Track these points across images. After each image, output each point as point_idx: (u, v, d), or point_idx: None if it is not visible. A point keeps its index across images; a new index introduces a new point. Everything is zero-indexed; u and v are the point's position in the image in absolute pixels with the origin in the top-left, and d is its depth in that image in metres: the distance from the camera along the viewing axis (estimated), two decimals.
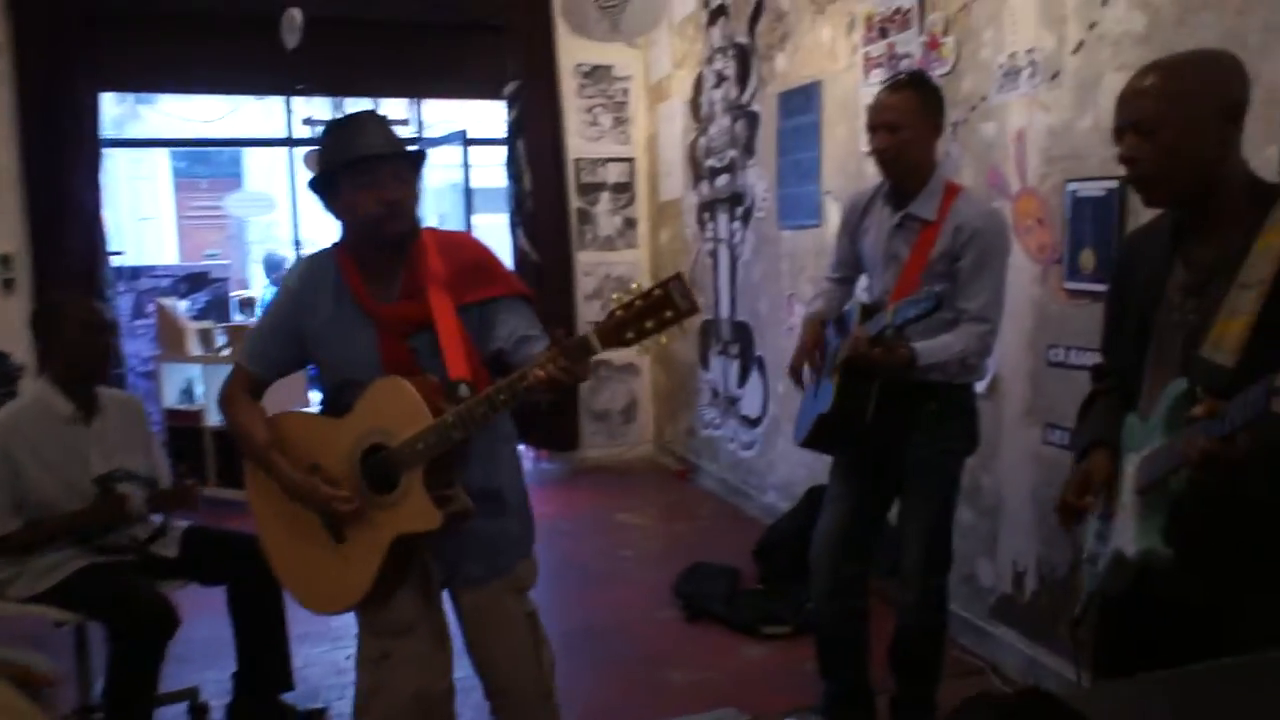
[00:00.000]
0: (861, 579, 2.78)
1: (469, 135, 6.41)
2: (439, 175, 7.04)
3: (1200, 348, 1.54)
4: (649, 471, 6.39)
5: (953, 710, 0.96)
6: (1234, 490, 1.44)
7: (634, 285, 1.75)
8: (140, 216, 12.08)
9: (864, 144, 3.53)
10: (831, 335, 2.69)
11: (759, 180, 4.97)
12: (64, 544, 2.73)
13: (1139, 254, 1.76)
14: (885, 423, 2.54)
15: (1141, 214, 2.54)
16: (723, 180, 5.42)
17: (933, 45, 3.46)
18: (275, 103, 6.71)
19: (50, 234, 5.50)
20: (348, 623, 3.85)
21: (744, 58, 5.04)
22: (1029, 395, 3.06)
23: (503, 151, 6.34)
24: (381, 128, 2.01)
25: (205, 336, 5.83)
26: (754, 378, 5.18)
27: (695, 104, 5.74)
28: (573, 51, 6.27)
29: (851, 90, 4.01)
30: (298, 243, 6.91)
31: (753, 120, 4.99)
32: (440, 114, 8.26)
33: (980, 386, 2.84)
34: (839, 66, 4.13)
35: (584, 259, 6.48)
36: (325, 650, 3.67)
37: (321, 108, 7.11)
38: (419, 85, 6.62)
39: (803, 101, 4.45)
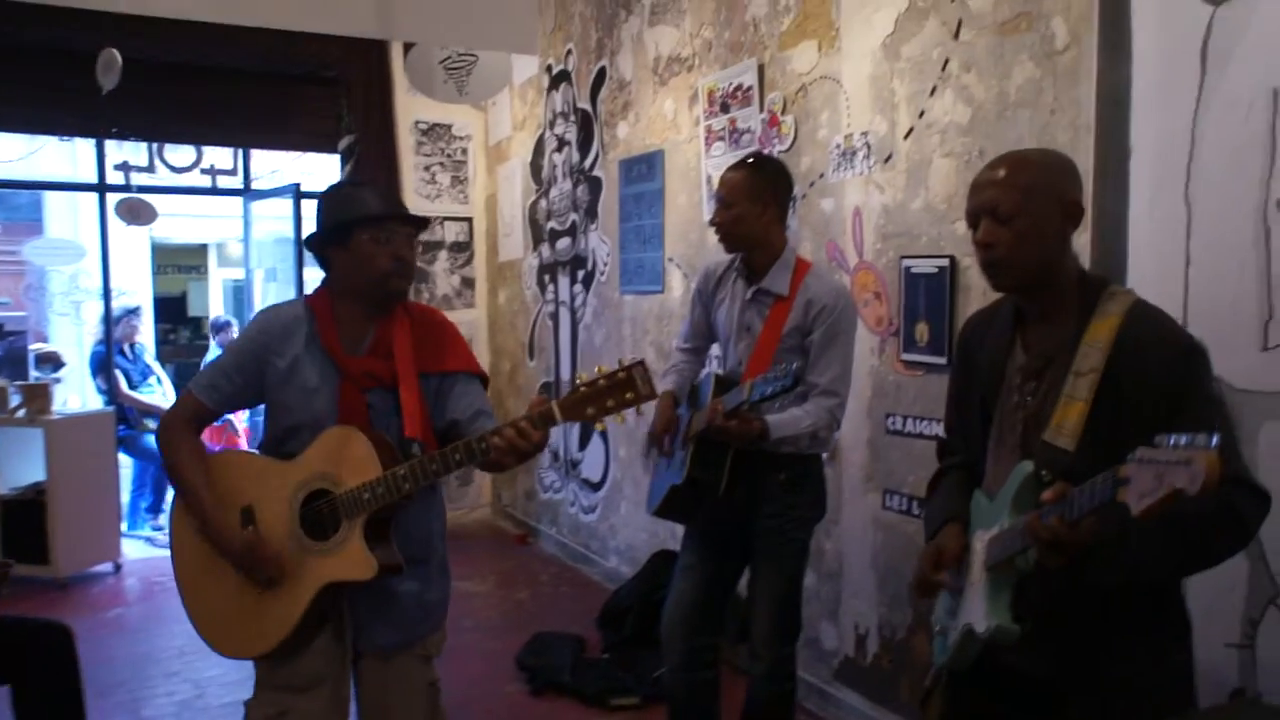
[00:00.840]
0: (713, 650, 2.78)
1: (302, 188, 6.19)
2: (268, 226, 6.75)
3: (1043, 432, 1.62)
4: (487, 536, 6.24)
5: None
6: (1077, 572, 1.52)
7: (598, 368, 1.91)
8: None
9: (706, 213, 3.62)
10: (683, 410, 2.71)
11: (601, 244, 5.01)
12: None
13: (981, 337, 1.86)
14: (736, 493, 2.58)
15: (972, 291, 2.72)
16: (564, 243, 5.43)
17: (773, 123, 3.60)
18: (81, 145, 6.27)
19: None
20: (160, 715, 3.56)
21: (587, 124, 5.10)
22: (868, 462, 3.17)
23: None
24: (395, 195, 2.10)
25: None
26: (595, 441, 5.17)
27: (536, 166, 5.75)
28: (411, 108, 6.19)
29: (694, 160, 4.11)
30: (107, 293, 6.45)
31: (595, 185, 5.05)
32: (270, 164, 7.95)
33: (824, 453, 2.92)
34: (681, 137, 4.24)
35: None
36: None
37: (138, 153, 6.69)
38: (247, 135, 6.35)
39: (645, 169, 4.53)
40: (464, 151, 6.50)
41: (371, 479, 1.95)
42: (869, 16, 3.09)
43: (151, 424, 6.56)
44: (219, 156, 7.05)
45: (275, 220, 6.57)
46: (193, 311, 16.42)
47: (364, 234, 2.07)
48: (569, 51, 5.25)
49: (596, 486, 5.19)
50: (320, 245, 2.15)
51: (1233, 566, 1.93)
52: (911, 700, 3.01)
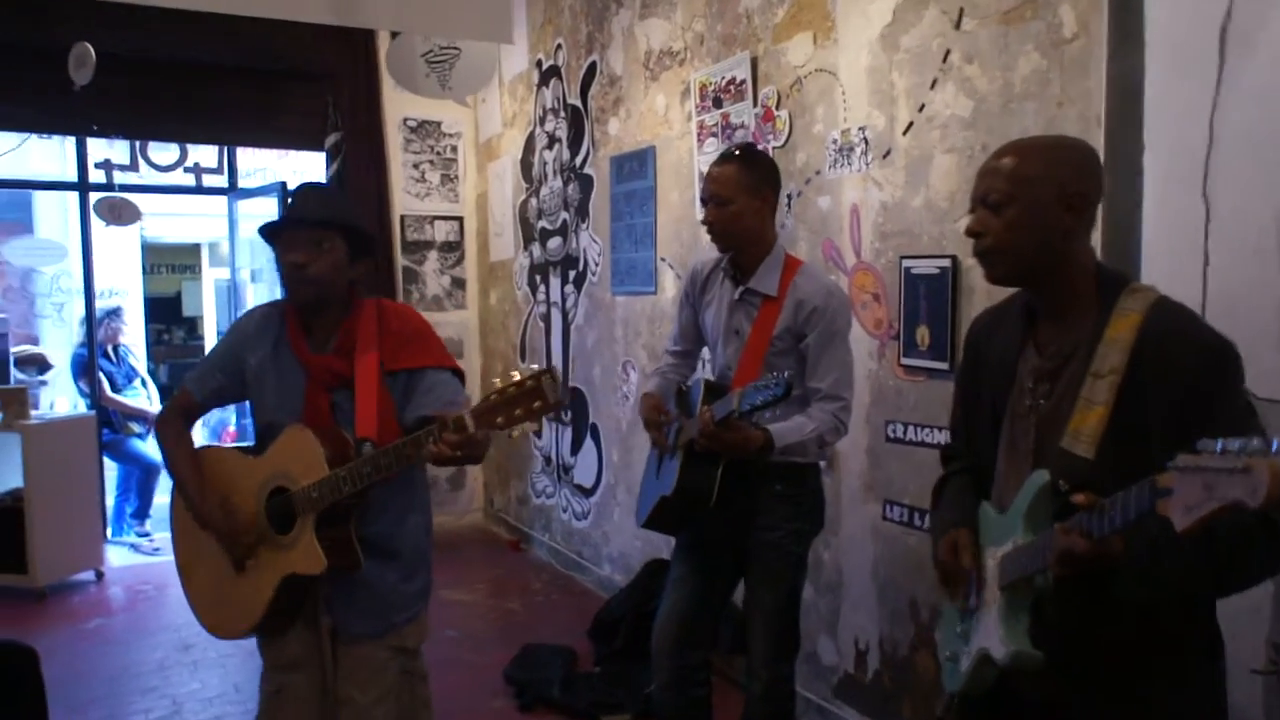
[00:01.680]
0: (705, 666, 2.66)
1: (288, 187, 6.06)
2: (256, 226, 6.61)
3: (1060, 439, 1.51)
4: (479, 542, 6.12)
5: None
6: (1099, 588, 1.40)
7: (513, 372, 1.85)
8: None
9: (699, 211, 3.50)
10: (673, 413, 2.58)
11: (592, 244, 4.88)
12: None
13: (989, 336, 1.75)
14: (729, 505, 2.45)
15: (976, 293, 2.59)
16: (555, 243, 5.31)
17: (767, 118, 3.47)
18: (71, 144, 6.14)
19: None
20: None
21: (577, 120, 4.98)
22: (868, 471, 3.05)
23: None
24: (310, 198, 2.18)
25: None
26: (588, 445, 5.04)
27: (526, 164, 5.62)
28: (399, 105, 6.06)
29: (686, 157, 3.99)
30: (90, 294, 6.32)
31: (586, 183, 4.92)
32: (257, 162, 7.82)
33: (821, 461, 2.80)
34: (673, 133, 4.11)
35: None
36: None
37: (121, 151, 6.56)
38: (230, 132, 6.21)
39: (637, 166, 4.40)
40: (454, 149, 6.37)
41: (317, 479, 2.03)
42: (866, 7, 2.97)
43: (136, 428, 6.43)
44: (204, 155, 6.92)
45: (261, 219, 6.43)
46: (186, 312, 16.31)
47: (276, 248, 2.14)
48: (559, 46, 5.12)
49: (589, 492, 5.07)
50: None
51: (1259, 587, 1.80)
52: (906, 713, 2.89)
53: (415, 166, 6.26)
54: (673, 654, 2.61)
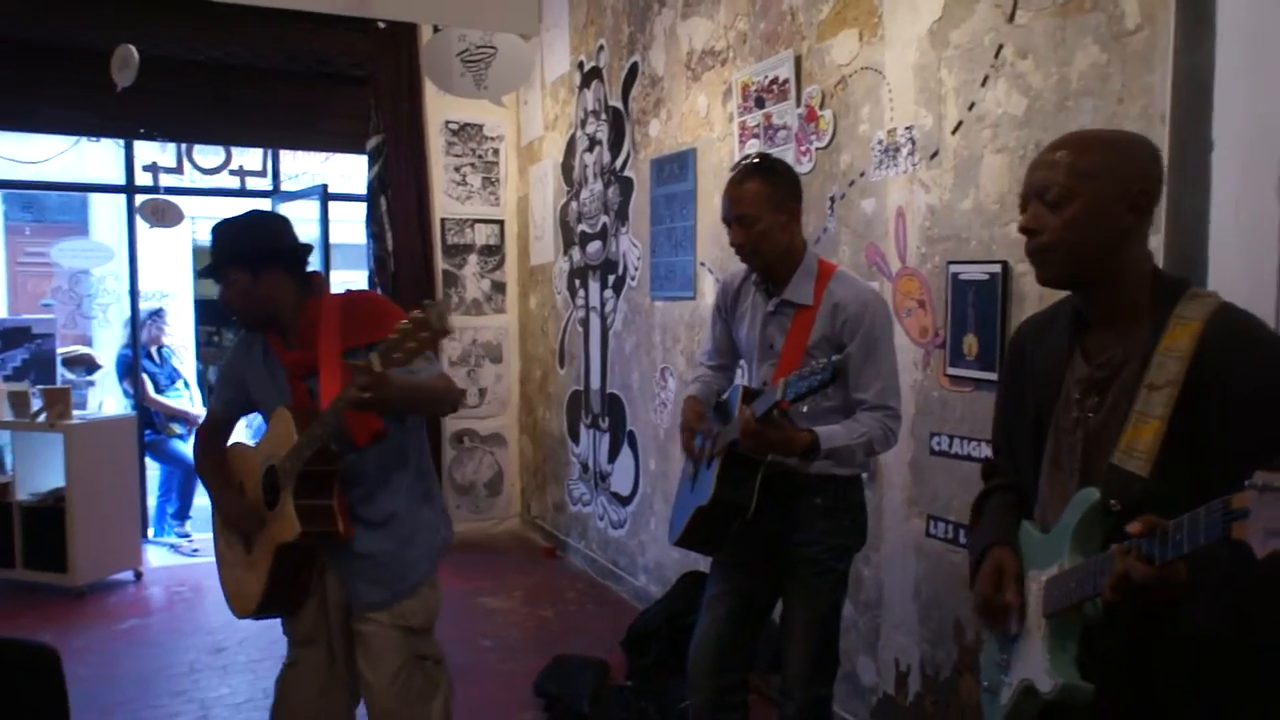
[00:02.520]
0: (742, 686, 2.55)
1: (329, 190, 6.06)
2: (299, 229, 6.63)
3: (1112, 455, 1.39)
4: (516, 548, 6.05)
5: None
6: (1162, 621, 1.28)
7: (414, 311, 1.92)
8: None
9: None
10: (712, 422, 2.48)
11: (632, 248, 4.80)
12: None
13: (1035, 343, 1.63)
14: (767, 517, 2.34)
15: (1027, 300, 2.46)
16: (594, 247, 5.23)
17: (810, 118, 3.36)
18: (122, 146, 6.20)
19: None
20: None
21: (618, 122, 4.90)
22: (911, 485, 2.92)
23: (363, 208, 6.00)
24: (217, 239, 2.36)
25: (19, 399, 5.23)
26: (625, 453, 4.96)
27: (567, 167, 5.56)
28: (441, 108, 6.03)
29: (727, 159, 3.89)
30: (135, 295, 6.37)
31: (626, 186, 4.84)
32: (300, 166, 7.86)
33: (863, 474, 2.67)
34: (714, 135, 4.02)
35: (452, 323, 6.15)
36: None
37: (168, 154, 6.62)
38: (275, 135, 6.25)
39: (677, 169, 4.31)
40: (495, 152, 6.33)
41: (289, 449, 2.22)
42: (915, 1, 2.85)
43: (178, 429, 6.47)
44: (248, 158, 6.96)
45: (303, 223, 6.45)
46: None
47: None
48: (600, 47, 5.05)
49: (626, 501, 4.98)
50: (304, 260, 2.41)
51: None
52: None
53: (456, 169, 6.22)
54: (710, 674, 2.51)
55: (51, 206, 12.15)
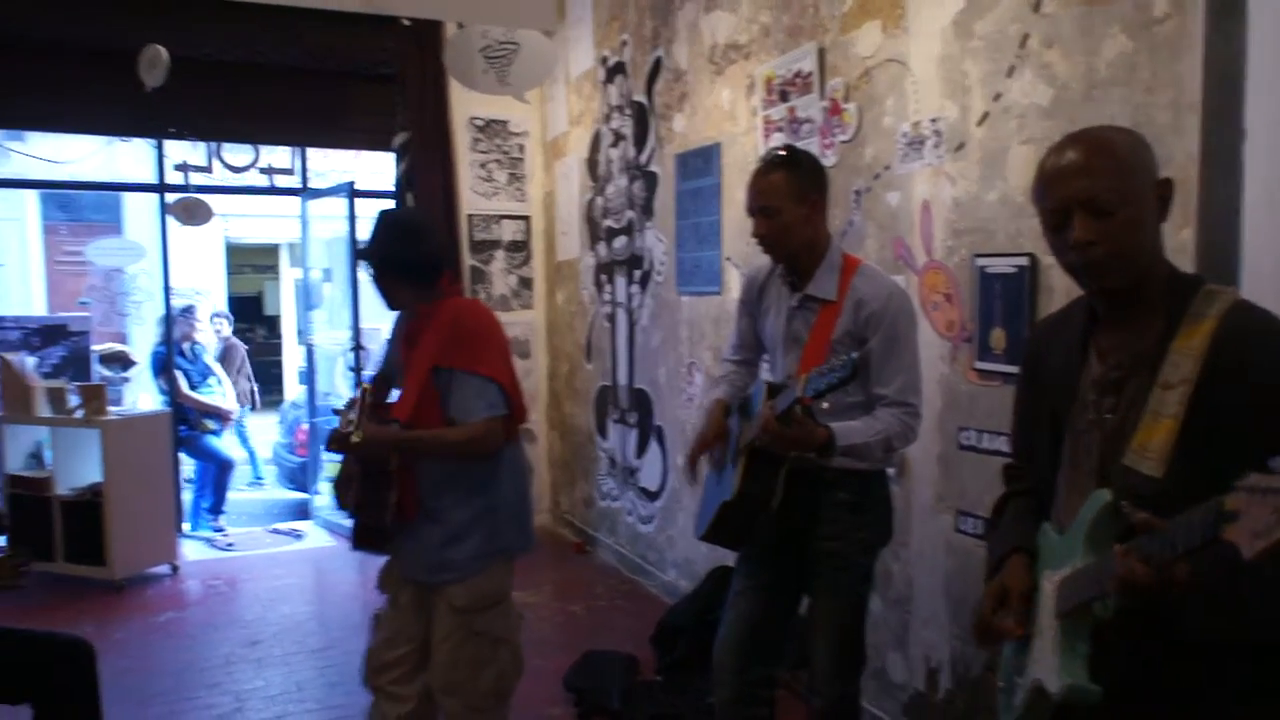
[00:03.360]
0: (768, 683, 2.55)
1: (356, 187, 6.11)
2: (325, 227, 6.71)
3: (1124, 455, 1.38)
4: (545, 543, 6.07)
5: None
6: (1171, 621, 1.26)
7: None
8: None
9: None
10: (734, 423, 2.48)
11: (657, 243, 4.80)
12: None
13: (1050, 345, 1.61)
14: (792, 512, 2.34)
15: (1055, 293, 2.44)
16: (620, 242, 5.23)
17: (834, 111, 3.34)
18: (153, 146, 6.28)
19: None
20: None
21: (642, 117, 4.90)
22: (939, 480, 2.90)
23: (391, 205, 6.04)
24: (372, 236, 2.55)
25: (56, 396, 5.32)
26: (653, 448, 4.96)
27: (592, 162, 5.56)
28: (467, 104, 6.05)
29: (752, 153, 3.87)
30: (168, 292, 6.46)
31: (651, 181, 4.84)
32: (328, 164, 7.92)
33: (890, 470, 2.66)
34: (739, 129, 4.00)
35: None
36: None
37: (198, 153, 6.70)
38: (302, 133, 6.30)
39: (702, 164, 4.30)
40: (521, 148, 6.34)
41: None
42: None
43: (211, 424, 6.56)
44: (276, 156, 7.02)
45: (331, 221, 6.51)
46: (267, 311, 16.72)
47: None
48: (624, 42, 5.05)
49: (654, 496, 4.98)
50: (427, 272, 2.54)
51: None
52: None
53: (483, 166, 6.25)
54: (735, 670, 2.51)
55: (86, 206, 12.34)
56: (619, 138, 5.19)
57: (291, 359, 14.29)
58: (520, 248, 6.38)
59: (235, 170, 6.74)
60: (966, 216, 2.76)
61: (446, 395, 2.41)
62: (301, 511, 7.01)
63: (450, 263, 2.41)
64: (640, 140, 4.93)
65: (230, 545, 6.14)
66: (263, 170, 6.80)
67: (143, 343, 9.17)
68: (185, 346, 6.59)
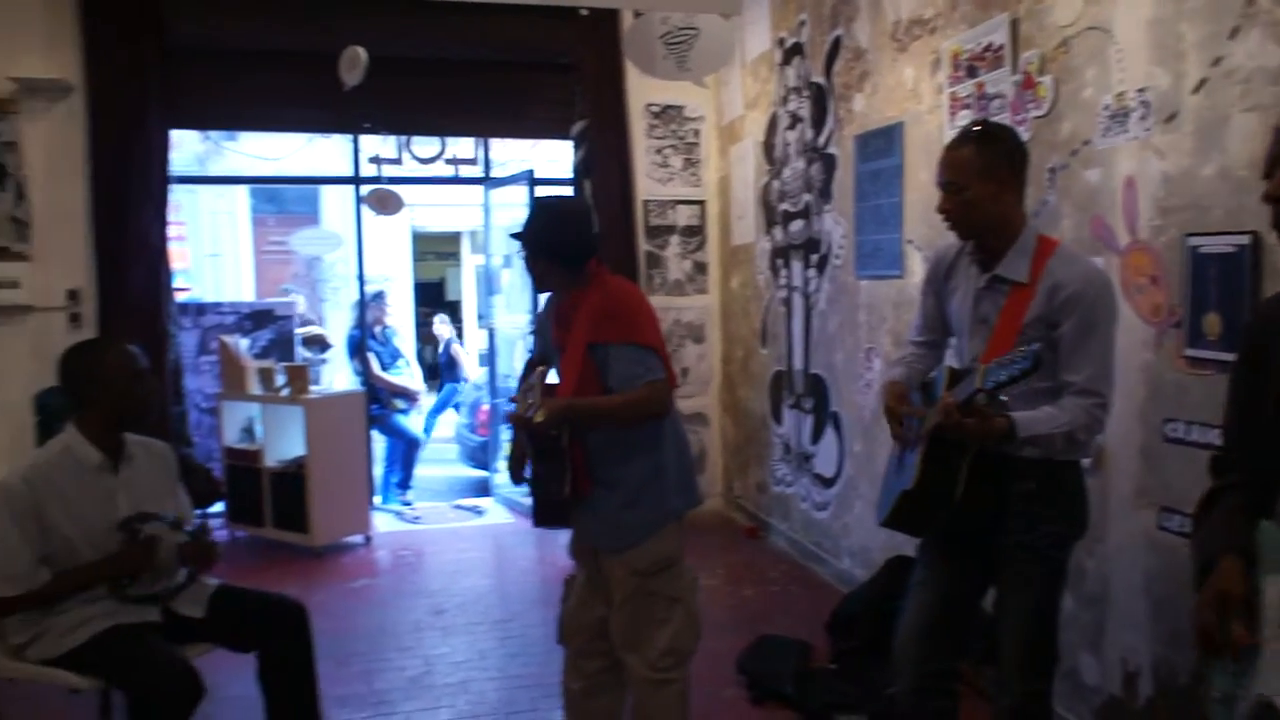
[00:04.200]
0: (951, 675, 2.47)
1: (535, 175, 6.28)
2: (505, 215, 6.93)
3: None
4: (717, 527, 6.10)
5: None
6: None
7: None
8: (210, 253, 12.27)
9: None
10: (916, 403, 2.41)
11: (835, 226, 4.71)
12: (87, 600, 2.57)
13: (1277, 326, 1.48)
14: (977, 502, 2.26)
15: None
16: (797, 225, 5.17)
17: (1028, 85, 3.18)
18: (349, 140, 6.68)
19: (116, 270, 5.49)
20: (391, 688, 3.68)
21: (820, 98, 4.81)
22: (1141, 474, 2.73)
23: (569, 192, 6.19)
24: (527, 220, 2.66)
25: (265, 375, 5.75)
26: (829, 434, 4.89)
27: (769, 146, 5.51)
28: (643, 91, 6.12)
29: (936, 133, 3.74)
30: (362, 279, 6.84)
31: (829, 163, 4.75)
32: (508, 153, 8.18)
33: (1085, 460, 2.52)
34: (922, 107, 3.87)
35: (652, 304, 6.19)
36: (367, 717, 3.48)
37: (389, 145, 7.06)
38: (485, 124, 6.54)
39: (883, 144, 4.19)
40: (696, 133, 6.36)
41: None
42: None
43: (400, 404, 6.91)
44: (461, 147, 7.30)
45: (511, 209, 6.72)
46: (449, 296, 17.47)
47: None
48: (802, 22, 4.97)
49: (829, 483, 4.91)
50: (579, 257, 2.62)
51: None
52: None
53: (658, 151, 6.30)
54: (916, 660, 2.44)
55: (289, 199, 13.23)
56: (796, 120, 5.12)
57: (472, 343, 14.90)
58: (695, 232, 6.40)
59: (423, 161, 7.06)
60: (1177, 193, 2.57)
61: (605, 370, 2.52)
62: (482, 488, 7.30)
63: (595, 249, 2.52)
64: (818, 122, 4.85)
65: (417, 519, 6.47)
66: (448, 161, 7.10)
67: (336, 326, 9.77)
68: (377, 330, 6.98)
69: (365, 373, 6.75)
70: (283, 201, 13.24)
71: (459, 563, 5.42)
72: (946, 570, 2.44)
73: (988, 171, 2.26)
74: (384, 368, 6.87)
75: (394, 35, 5.63)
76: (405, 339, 7.61)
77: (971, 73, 3.50)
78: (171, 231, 6.01)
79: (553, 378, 2.75)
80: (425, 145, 7.14)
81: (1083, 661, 2.97)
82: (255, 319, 7.06)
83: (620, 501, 2.58)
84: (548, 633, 3.23)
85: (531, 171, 6.30)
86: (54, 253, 5.48)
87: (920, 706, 2.45)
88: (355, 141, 6.54)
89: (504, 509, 6.64)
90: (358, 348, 6.87)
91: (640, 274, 6.22)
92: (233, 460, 5.81)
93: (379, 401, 6.75)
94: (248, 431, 5.95)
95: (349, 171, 6.59)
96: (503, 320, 7.05)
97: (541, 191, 6.14)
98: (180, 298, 6.61)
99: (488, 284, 7.62)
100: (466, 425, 8.46)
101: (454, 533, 6.11)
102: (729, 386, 6.40)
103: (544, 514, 2.79)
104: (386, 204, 6.25)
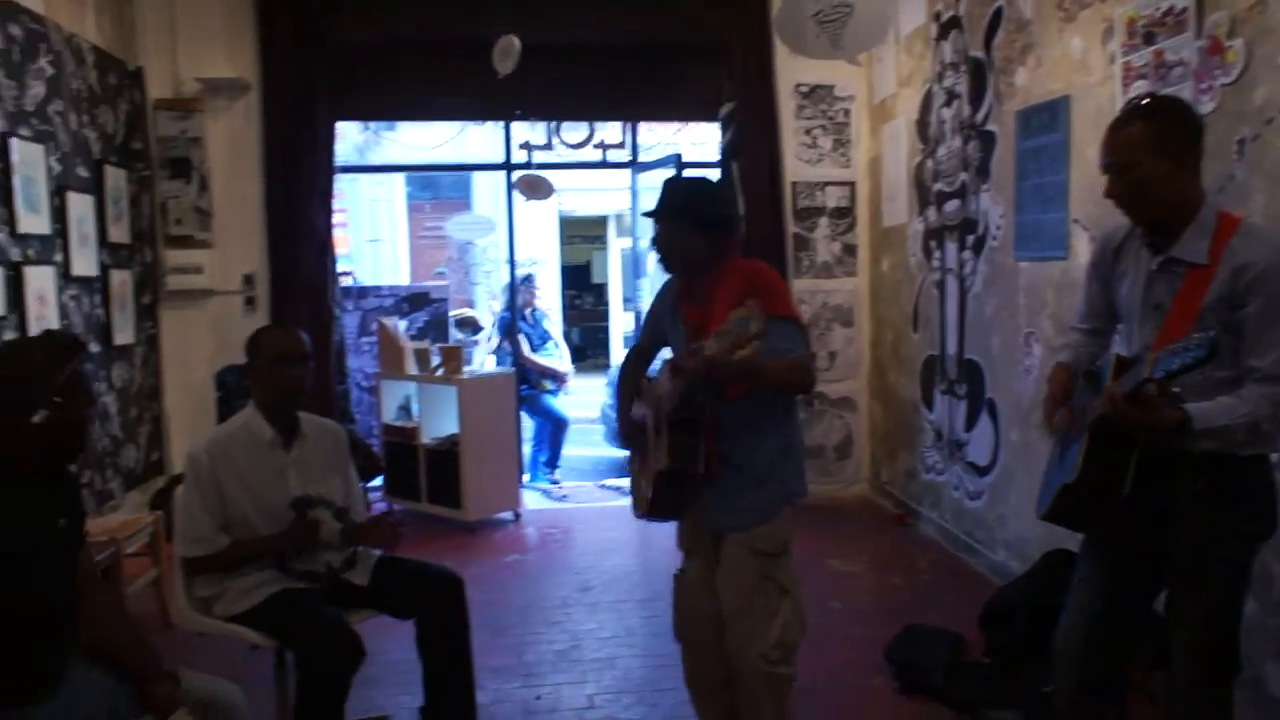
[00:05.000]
0: (1116, 679, 2.35)
1: (683, 158, 6.29)
2: (652, 199, 6.98)
3: None
4: (864, 513, 6.00)
5: None
6: None
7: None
8: (370, 238, 12.83)
9: None
10: (1082, 393, 2.29)
11: (993, 206, 4.53)
12: (262, 566, 2.76)
13: None
14: (1147, 498, 2.13)
15: None
16: (952, 206, 5.00)
17: (1214, 50, 2.97)
18: (499, 128, 6.85)
19: (286, 256, 5.82)
20: (540, 661, 3.79)
21: (979, 73, 4.62)
22: None
23: (717, 174, 6.17)
24: (665, 192, 2.63)
25: (421, 356, 5.98)
26: (983, 422, 4.72)
27: (922, 124, 5.34)
28: (791, 71, 6.03)
29: (1107, 105, 3.54)
30: (513, 263, 7.01)
31: (988, 140, 4.56)
32: (655, 137, 8.21)
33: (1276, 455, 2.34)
34: (1092, 79, 3.67)
35: (800, 286, 6.18)
36: (517, 687, 3.58)
37: (538, 132, 7.20)
38: (634, 108, 6.57)
39: (1047, 119, 3.99)
40: (846, 113, 6.23)
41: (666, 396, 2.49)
42: None
43: (549, 385, 7.07)
44: (609, 131, 7.37)
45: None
46: (595, 279, 17.74)
47: None
48: None
49: (984, 471, 4.75)
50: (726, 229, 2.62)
51: None
52: None
53: (807, 132, 6.20)
54: (1080, 659, 2.33)
55: (443, 185, 13.70)
56: (952, 97, 4.94)
57: (617, 324, 15.08)
58: (844, 214, 6.28)
59: (572, 147, 7.17)
60: None
61: None
62: (627, 469, 7.38)
63: (739, 225, 2.53)
64: (976, 98, 4.67)
65: (564, 497, 6.61)
66: (596, 146, 7.18)
67: (486, 309, 10.07)
68: (526, 312, 7.15)
69: (515, 354, 6.93)
70: (437, 188, 13.73)
71: (605, 541, 5.51)
72: (1113, 568, 2.31)
73: (1160, 147, 2.11)
74: (533, 349, 7.03)
75: (545, 23, 5.73)
76: (554, 321, 7.75)
77: (1149, 39, 3.29)
78: (335, 219, 6.32)
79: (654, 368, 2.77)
80: (574, 131, 7.24)
81: (1268, 671, 2.78)
82: (411, 301, 7.35)
83: (746, 482, 2.55)
84: None
85: (679, 155, 6.32)
86: (232, 240, 5.86)
87: (1080, 708, 2.35)
88: (507, 128, 6.69)
89: None
90: (507, 329, 7.06)
91: (788, 257, 6.14)
92: (391, 437, 6.08)
93: (528, 382, 6.91)
94: (405, 409, 6.21)
95: (500, 158, 6.75)
96: (648, 303, 7.11)
97: (690, 174, 6.14)
98: (343, 282, 6.94)
99: (634, 267, 7.69)
100: (612, 406, 8.57)
101: (600, 511, 6.22)
102: (878, 371, 6.27)
103: (660, 502, 2.63)
104: (537, 189, 6.38)
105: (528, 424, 7.12)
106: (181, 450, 5.61)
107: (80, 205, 4.86)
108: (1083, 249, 3.73)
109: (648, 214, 2.66)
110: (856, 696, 3.46)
